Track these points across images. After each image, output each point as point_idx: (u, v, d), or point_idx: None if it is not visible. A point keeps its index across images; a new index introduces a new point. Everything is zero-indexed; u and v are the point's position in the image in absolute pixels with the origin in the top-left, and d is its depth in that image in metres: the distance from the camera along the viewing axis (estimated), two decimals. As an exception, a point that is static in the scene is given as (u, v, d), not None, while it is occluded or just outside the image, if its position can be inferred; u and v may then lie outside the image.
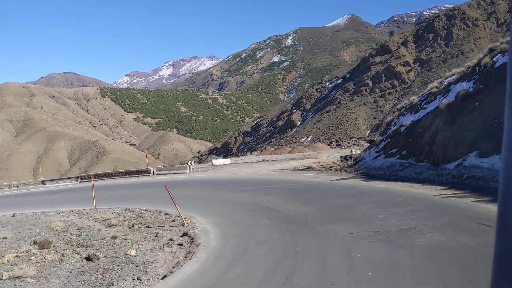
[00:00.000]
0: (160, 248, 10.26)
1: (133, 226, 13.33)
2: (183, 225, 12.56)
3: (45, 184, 40.14)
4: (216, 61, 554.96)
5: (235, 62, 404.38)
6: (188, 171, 34.35)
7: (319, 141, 78.80)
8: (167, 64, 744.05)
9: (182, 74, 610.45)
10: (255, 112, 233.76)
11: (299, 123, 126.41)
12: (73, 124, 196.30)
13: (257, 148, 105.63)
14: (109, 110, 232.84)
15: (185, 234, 11.47)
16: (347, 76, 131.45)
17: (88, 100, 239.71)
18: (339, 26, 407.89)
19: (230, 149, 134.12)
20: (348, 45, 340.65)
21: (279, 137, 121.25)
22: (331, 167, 25.11)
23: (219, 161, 41.02)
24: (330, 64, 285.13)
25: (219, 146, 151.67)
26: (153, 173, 36.09)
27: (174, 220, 13.59)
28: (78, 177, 41.64)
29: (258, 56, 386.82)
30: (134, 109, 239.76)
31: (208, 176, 28.97)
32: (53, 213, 18.82)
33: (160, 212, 15.70)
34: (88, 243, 11.53)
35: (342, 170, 23.51)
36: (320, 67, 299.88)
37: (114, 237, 11.67)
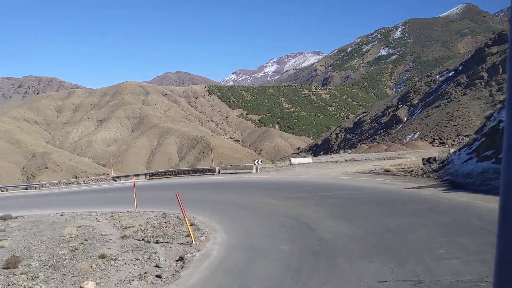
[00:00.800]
0: (130, 281, 8.43)
1: (142, 239, 11.96)
2: (190, 244, 10.97)
3: (115, 180, 40.24)
4: (320, 56, 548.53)
5: (340, 56, 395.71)
6: (254, 170, 32.46)
7: (421, 138, 73.07)
8: (271, 61, 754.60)
9: (286, 71, 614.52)
10: (360, 107, 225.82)
11: (405, 119, 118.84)
12: (182, 120, 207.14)
13: (360, 145, 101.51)
14: (215, 107, 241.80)
15: (180, 258, 9.73)
16: (460, 68, 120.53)
17: (197, 97, 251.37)
18: (452, 16, 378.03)
19: (330, 145, 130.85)
20: (462, 36, 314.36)
21: (383, 133, 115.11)
22: (412, 171, 21.56)
23: (298, 160, 38.32)
24: (442, 57, 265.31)
25: (319, 143, 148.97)
26: (218, 172, 34.64)
27: (188, 235, 11.75)
28: (146, 174, 41.40)
29: (364, 50, 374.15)
30: (239, 106, 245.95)
31: (271, 178, 27.04)
32: (94, 214, 18.65)
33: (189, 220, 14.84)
34: (66, 263, 10.00)
35: (425, 175, 19.84)
36: (431, 59, 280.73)
37: (102, 256, 10.19)
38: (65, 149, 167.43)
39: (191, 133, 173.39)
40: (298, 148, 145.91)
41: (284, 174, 28.73)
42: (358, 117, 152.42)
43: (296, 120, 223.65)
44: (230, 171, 33.92)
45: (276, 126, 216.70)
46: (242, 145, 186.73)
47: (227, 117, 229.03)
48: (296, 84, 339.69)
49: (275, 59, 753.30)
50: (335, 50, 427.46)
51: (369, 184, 19.06)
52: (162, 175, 38.27)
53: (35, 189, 40.89)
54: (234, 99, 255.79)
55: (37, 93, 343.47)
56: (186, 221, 11.44)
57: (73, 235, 13.30)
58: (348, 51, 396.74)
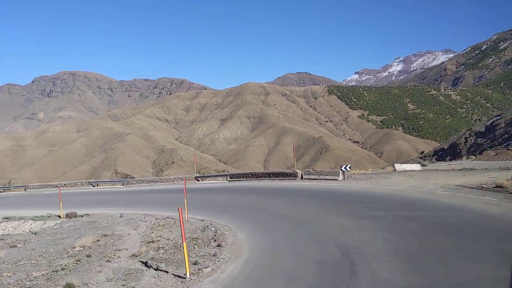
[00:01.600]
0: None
1: (145, 263, 10.68)
2: (183, 279, 9.36)
3: (198, 181, 39.34)
4: (451, 55, 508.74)
5: (473, 55, 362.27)
6: (340, 177, 28.53)
7: None
8: (397, 60, 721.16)
9: (413, 70, 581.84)
10: (495, 110, 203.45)
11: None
12: (300, 120, 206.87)
13: (486, 151, 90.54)
14: (334, 108, 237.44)
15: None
16: None
17: (316, 98, 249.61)
18: None
19: (458, 150, 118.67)
20: None
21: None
22: (536, 189, 16.30)
23: (403, 166, 33.47)
24: None
25: (445, 147, 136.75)
26: (301, 177, 31.55)
27: (196, 263, 10.40)
28: (228, 175, 39.62)
29: (501, 48, 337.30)
30: (359, 106, 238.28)
31: (354, 187, 23.55)
32: (146, 217, 18.64)
33: (218, 238, 13.00)
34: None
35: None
36: None
37: (67, 286, 8.97)
38: (190, 146, 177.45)
39: (309, 133, 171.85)
40: (422, 152, 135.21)
41: (374, 183, 25.05)
42: (491, 120, 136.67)
43: (422, 122, 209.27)
44: (314, 177, 30.58)
45: (400, 128, 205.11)
46: (361, 147, 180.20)
47: (346, 118, 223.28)
48: (423, 84, 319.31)
49: (401, 58, 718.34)
50: (468, 48, 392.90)
51: (468, 204, 15.12)
52: (243, 177, 36.81)
53: (123, 185, 41.76)
54: (355, 100, 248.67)
55: (169, 94, 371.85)
56: (184, 248, 9.72)
57: (82, 248, 12.79)
58: (482, 49, 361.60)
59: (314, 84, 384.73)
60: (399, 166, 33.47)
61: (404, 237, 11.14)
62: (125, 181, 42.66)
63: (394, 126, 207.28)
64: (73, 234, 15.88)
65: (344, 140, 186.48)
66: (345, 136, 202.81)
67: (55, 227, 18.16)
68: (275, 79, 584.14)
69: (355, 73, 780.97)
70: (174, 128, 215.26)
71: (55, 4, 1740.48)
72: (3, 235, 19.45)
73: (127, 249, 12.64)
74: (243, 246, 11.93)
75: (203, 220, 16.87)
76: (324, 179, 29.16)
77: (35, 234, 17.01)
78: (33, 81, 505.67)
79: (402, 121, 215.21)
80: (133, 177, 49.09)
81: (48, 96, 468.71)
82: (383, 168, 38.58)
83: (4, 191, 45.89)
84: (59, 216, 23.07)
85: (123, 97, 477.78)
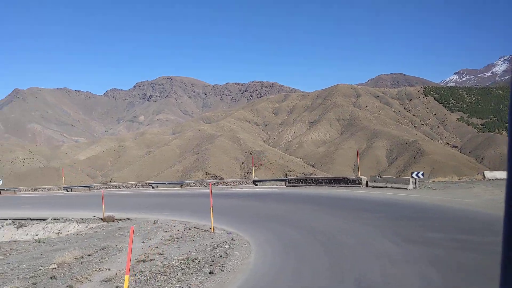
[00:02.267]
0: None
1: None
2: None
3: (256, 185, 37.58)
4: None
5: None
6: (410, 186, 25.27)
7: None
8: (501, 60, 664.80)
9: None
10: None
11: None
12: (393, 123, 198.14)
13: None
14: (431, 110, 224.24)
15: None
16: None
17: (411, 99, 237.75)
18: None
19: None
20: None
21: None
22: None
23: (494, 174, 29.09)
24: None
25: None
26: (366, 184, 28.29)
27: None
28: (286, 180, 37.25)
29: None
30: (459, 108, 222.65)
31: (422, 199, 20.30)
32: (175, 225, 18.16)
33: (220, 261, 11.60)
34: None
35: None
36: None
37: None
38: (278, 148, 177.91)
39: (402, 136, 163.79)
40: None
41: (448, 194, 21.81)
42: None
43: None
44: (380, 184, 27.39)
45: (503, 132, 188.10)
46: (460, 152, 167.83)
47: (444, 121, 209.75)
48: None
49: (506, 57, 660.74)
50: None
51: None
52: (302, 182, 34.35)
53: (181, 187, 41.09)
54: (453, 101, 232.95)
55: (259, 97, 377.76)
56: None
57: (58, 266, 11.71)
58: None
59: (409, 85, 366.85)
60: (489, 174, 29.58)
61: (450, 277, 8.60)
62: (183, 183, 42.19)
63: (497, 130, 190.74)
64: (79, 243, 15.52)
65: (441, 144, 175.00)
66: (442, 140, 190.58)
67: (80, 233, 18.21)
68: (368, 81, 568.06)
69: (455, 73, 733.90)
70: (262, 130, 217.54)
71: (153, 17, 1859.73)
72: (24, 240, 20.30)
73: (109, 269, 11.45)
74: (240, 276, 10.15)
75: (230, 233, 15.69)
76: (392, 187, 26.15)
77: (38, 242, 16.80)
78: (134, 86, 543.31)
79: (507, 125, 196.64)
80: (189, 180, 48.51)
81: (148, 100, 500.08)
82: (475, 175, 33.59)
83: (71, 190, 46.59)
84: (102, 219, 23.24)
85: (216, 100, 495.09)
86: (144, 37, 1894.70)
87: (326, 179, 32.45)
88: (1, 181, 49.28)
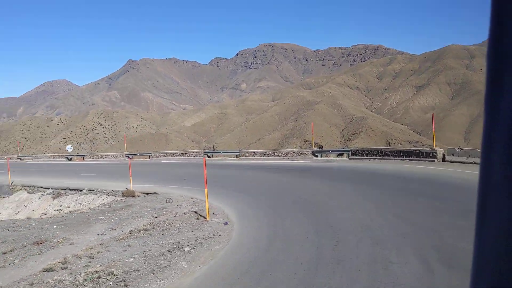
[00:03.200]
0: None
1: None
2: None
3: (316, 156, 34.34)
4: None
5: None
6: None
7: None
8: None
9: None
10: None
11: None
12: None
13: None
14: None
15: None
16: None
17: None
18: None
19: None
20: None
21: None
22: None
23: None
24: None
25: None
26: (443, 159, 23.67)
27: None
28: (349, 151, 33.29)
29: None
30: None
31: None
32: (183, 204, 16.03)
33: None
34: None
35: None
36: None
37: None
38: (382, 115, 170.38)
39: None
40: None
41: None
42: None
43: None
44: (460, 159, 22.86)
45: None
46: None
47: None
48: None
49: None
50: None
51: None
52: (366, 154, 30.58)
53: (236, 157, 38.47)
54: None
55: (363, 61, 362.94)
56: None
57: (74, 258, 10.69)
58: None
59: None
60: None
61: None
62: (238, 153, 39.17)
63: None
64: (58, 225, 15.10)
65: None
66: None
67: (91, 209, 18.05)
68: (482, 42, 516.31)
69: None
70: (365, 96, 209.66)
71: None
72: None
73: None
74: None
75: (226, 223, 13.75)
76: (475, 163, 21.57)
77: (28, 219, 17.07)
78: (237, 54, 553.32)
79: None
80: (246, 149, 44.88)
81: (250, 67, 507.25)
82: None
83: (133, 158, 45.14)
84: (122, 194, 22.60)
85: (317, 66, 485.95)
86: (246, 4, 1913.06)
87: (394, 151, 28.48)
88: (72, 148, 52.19)
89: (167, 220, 14.78)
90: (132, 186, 22.89)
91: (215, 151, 43.75)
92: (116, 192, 23.24)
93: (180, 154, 40.84)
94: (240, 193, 19.38)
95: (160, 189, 22.28)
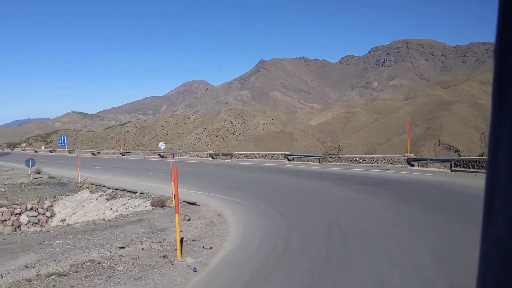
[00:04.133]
0: None
1: None
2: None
3: (412, 165, 27.34)
4: None
5: None
6: None
7: None
8: None
9: None
10: None
11: None
12: None
13: None
14: None
15: None
16: None
17: None
18: None
19: None
20: None
21: None
22: None
23: None
24: None
25: None
26: None
27: None
28: (452, 160, 25.37)
29: None
30: None
31: None
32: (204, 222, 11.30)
33: None
34: None
35: None
36: None
37: None
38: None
39: None
40: None
41: None
42: None
43: None
44: None
45: None
46: None
47: None
48: None
49: None
50: None
51: None
52: (475, 165, 22.67)
53: (318, 162, 32.54)
54: None
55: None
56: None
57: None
58: None
59: None
60: None
61: None
62: (320, 157, 33.48)
63: None
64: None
65: None
66: None
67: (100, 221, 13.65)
68: None
69: None
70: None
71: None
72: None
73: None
74: None
75: (194, 270, 8.94)
76: None
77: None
78: (369, 52, 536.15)
79: None
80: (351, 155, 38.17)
81: (382, 65, 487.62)
82: None
83: (215, 158, 42.35)
84: (151, 203, 19.05)
85: (456, 63, 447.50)
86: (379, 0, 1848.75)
87: None
88: (164, 145, 52.68)
89: (129, 254, 10.58)
90: (177, 192, 20.55)
91: (296, 154, 37.46)
92: (163, 197, 20.55)
93: (261, 156, 37.70)
94: (279, 214, 14.36)
95: (204, 199, 18.86)
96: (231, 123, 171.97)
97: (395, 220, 12.21)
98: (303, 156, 35.99)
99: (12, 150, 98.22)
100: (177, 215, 9.93)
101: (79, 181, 30.13)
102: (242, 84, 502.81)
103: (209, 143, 57.96)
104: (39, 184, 29.71)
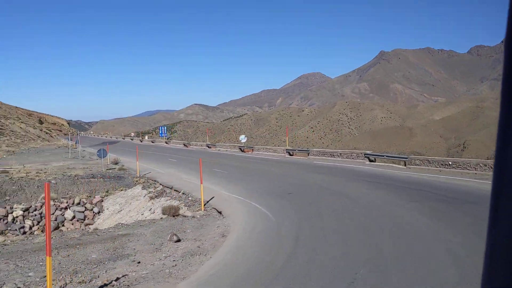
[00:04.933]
0: None
1: None
2: None
3: None
4: None
5: None
6: None
7: None
8: None
9: None
10: None
11: None
12: None
13: None
14: None
15: None
16: None
17: None
18: None
19: None
20: None
21: None
22: None
23: None
24: None
25: None
26: None
27: None
28: None
29: None
30: None
31: None
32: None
33: None
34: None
35: None
36: None
37: None
38: None
39: None
40: None
41: None
42: None
43: None
44: None
45: None
46: None
47: None
48: None
49: None
50: None
51: None
52: None
53: (404, 165, 26.42)
54: None
55: None
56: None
57: None
58: None
59: None
60: None
61: None
62: (406, 159, 26.97)
63: None
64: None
65: None
66: None
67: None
68: None
69: None
70: None
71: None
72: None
73: None
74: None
75: None
76: None
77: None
78: (502, 42, 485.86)
79: None
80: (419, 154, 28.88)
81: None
82: None
83: (292, 154, 38.72)
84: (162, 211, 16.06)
85: None
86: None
87: None
88: (245, 138, 50.40)
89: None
90: (219, 193, 18.34)
91: (378, 154, 31.58)
92: (195, 201, 17.96)
93: (338, 154, 33.44)
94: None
95: (235, 207, 15.74)
96: (347, 116, 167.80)
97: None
98: (386, 156, 30.42)
99: (123, 139, 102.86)
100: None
101: (138, 175, 28.17)
102: (360, 76, 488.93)
103: (286, 137, 54.50)
104: (93, 177, 27.85)
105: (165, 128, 76.50)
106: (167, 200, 19.93)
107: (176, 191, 21.58)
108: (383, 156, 30.21)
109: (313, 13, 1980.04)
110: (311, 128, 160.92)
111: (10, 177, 26.20)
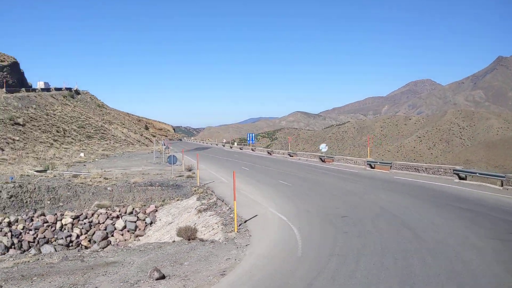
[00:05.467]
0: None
1: None
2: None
3: None
4: None
5: None
6: None
7: None
8: None
9: None
10: None
11: None
12: None
13: None
14: None
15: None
16: None
17: None
18: None
19: None
20: None
21: None
22: None
23: None
24: None
25: None
26: None
27: None
28: None
29: None
30: None
31: None
32: None
33: None
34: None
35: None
36: None
37: None
38: None
39: None
40: None
41: None
42: None
43: None
44: None
45: None
46: None
47: None
48: None
49: None
50: None
51: None
52: None
53: (501, 186, 20.74)
54: None
55: None
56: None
57: None
58: None
59: None
60: None
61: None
62: (504, 178, 20.94)
63: None
64: None
65: None
66: None
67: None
68: None
69: None
70: None
71: None
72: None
73: None
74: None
75: None
76: None
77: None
78: None
79: None
80: None
81: None
82: None
83: (374, 167, 33.58)
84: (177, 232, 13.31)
85: None
86: None
87: None
88: (326, 147, 44.82)
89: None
90: (264, 211, 16.29)
91: (470, 171, 23.97)
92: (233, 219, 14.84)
93: (424, 169, 28.57)
94: None
95: (272, 233, 12.99)
96: (459, 125, 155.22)
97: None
98: (479, 174, 24.51)
99: (216, 145, 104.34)
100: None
101: (198, 184, 26.69)
102: (474, 83, 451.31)
103: (368, 147, 49.21)
104: (151, 185, 26.79)
105: (253, 135, 76.09)
106: (210, 216, 18.06)
107: (226, 204, 19.71)
108: (476, 173, 24.61)
109: (415, 13, 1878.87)
110: (419, 137, 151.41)
111: (78, 182, 26.29)
